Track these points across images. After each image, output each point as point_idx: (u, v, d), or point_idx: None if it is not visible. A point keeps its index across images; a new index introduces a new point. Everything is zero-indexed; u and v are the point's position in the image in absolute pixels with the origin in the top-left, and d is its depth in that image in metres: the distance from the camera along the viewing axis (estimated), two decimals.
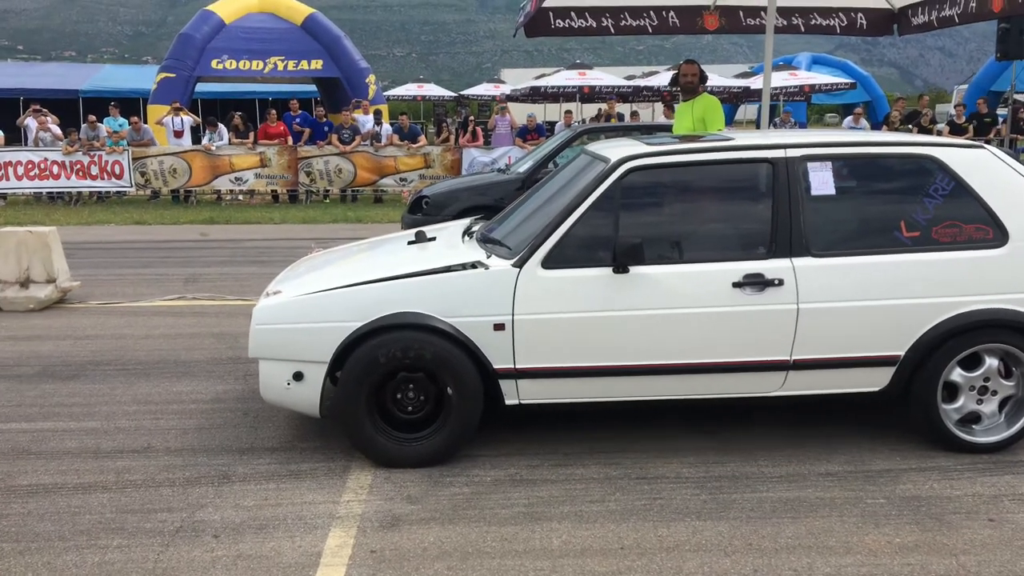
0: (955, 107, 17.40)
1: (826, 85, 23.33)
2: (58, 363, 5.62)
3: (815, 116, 50.43)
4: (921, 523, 3.42)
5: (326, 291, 3.97)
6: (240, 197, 15.93)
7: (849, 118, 16.77)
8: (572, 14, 7.89)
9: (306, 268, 4.64)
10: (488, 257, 4.01)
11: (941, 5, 7.46)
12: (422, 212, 9.02)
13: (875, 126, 16.74)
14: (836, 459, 4.04)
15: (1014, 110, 16.03)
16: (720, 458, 4.07)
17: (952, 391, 4.03)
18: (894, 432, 4.28)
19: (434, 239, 4.63)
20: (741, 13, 8.01)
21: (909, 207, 3.98)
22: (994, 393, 4.02)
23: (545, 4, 7.03)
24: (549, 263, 3.88)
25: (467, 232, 4.66)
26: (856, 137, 4.22)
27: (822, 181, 3.98)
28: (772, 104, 23.12)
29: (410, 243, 4.61)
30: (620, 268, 3.84)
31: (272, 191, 15.76)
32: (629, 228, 3.91)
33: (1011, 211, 3.95)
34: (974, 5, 7.00)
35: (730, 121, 29.63)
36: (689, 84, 6.17)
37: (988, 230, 3.95)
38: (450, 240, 4.55)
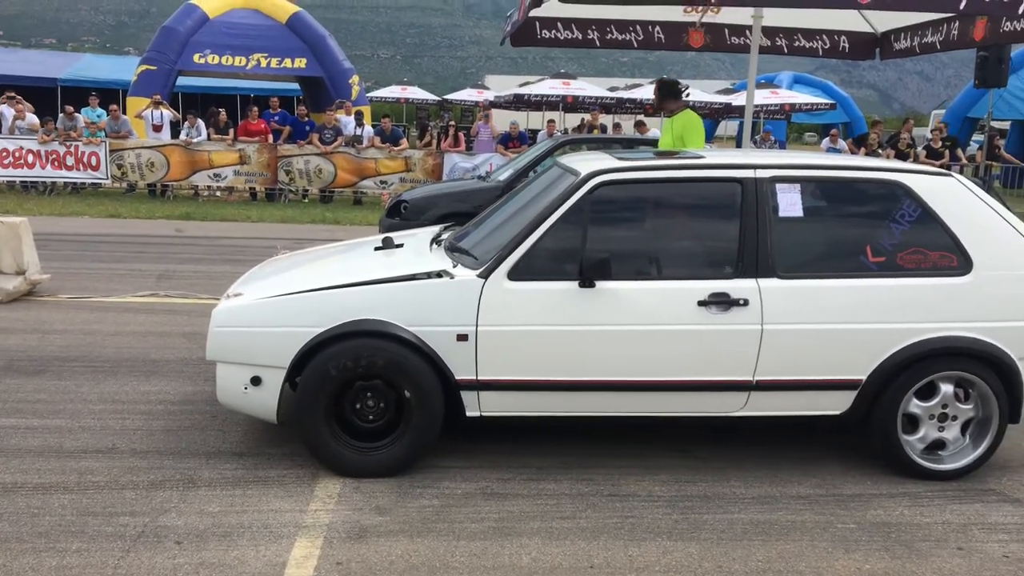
0: (931, 131, 17.59)
1: (806, 105, 23.48)
2: (24, 357, 5.50)
3: (794, 135, 50.88)
4: (891, 550, 3.42)
5: (287, 295, 3.92)
6: (218, 193, 15.77)
7: (827, 139, 16.91)
8: (559, 25, 7.86)
9: (270, 271, 4.58)
10: (454, 266, 3.98)
11: (923, 31, 7.52)
12: (400, 216, 8.96)
13: (856, 141, 16.86)
14: (809, 482, 4.04)
15: (990, 137, 16.24)
16: (693, 477, 4.05)
17: (913, 421, 4.06)
18: (867, 456, 4.29)
19: (401, 246, 4.59)
20: (726, 31, 8.02)
21: (876, 232, 4.00)
22: (954, 418, 4.04)
23: (533, 13, 7.00)
24: (515, 275, 3.85)
25: (436, 240, 4.63)
26: (825, 160, 4.24)
27: (790, 203, 3.99)
28: (753, 122, 23.30)
29: (377, 249, 4.57)
30: (586, 283, 3.82)
31: (250, 189, 15.61)
32: (597, 243, 3.89)
33: (976, 240, 3.98)
34: (955, 33, 7.05)
35: (711, 137, 29.83)
36: (655, 101, 6.31)
37: (953, 258, 3.98)
38: (418, 247, 4.51)
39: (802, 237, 4.02)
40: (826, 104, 24.68)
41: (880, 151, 16.18)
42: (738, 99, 22.53)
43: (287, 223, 12.80)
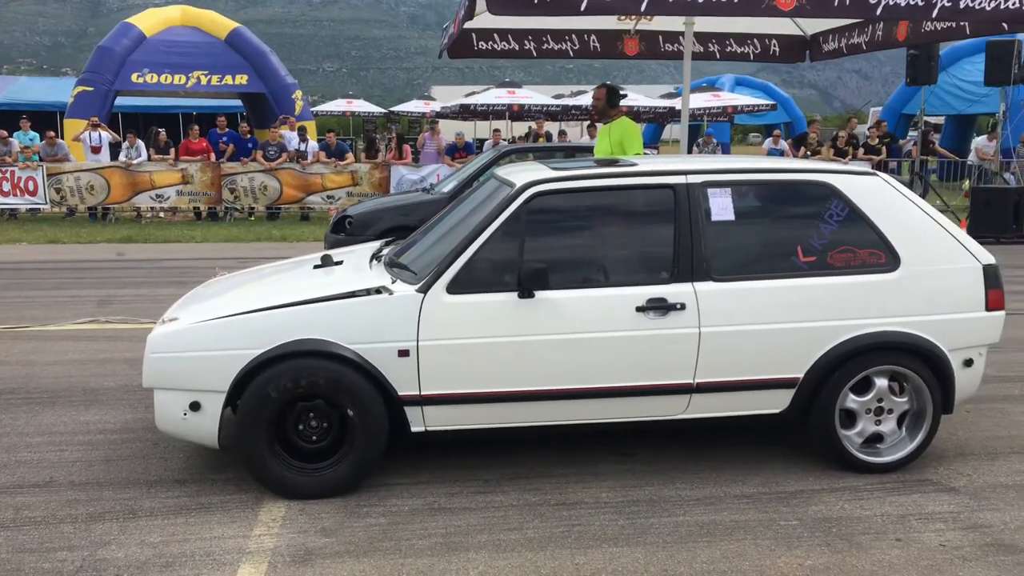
0: (869, 129, 17.99)
1: (748, 106, 23.85)
2: None
3: (739, 136, 51.67)
4: (832, 544, 3.49)
5: (224, 318, 3.87)
6: (161, 215, 15.53)
7: (769, 139, 17.21)
8: (495, 36, 7.91)
9: (207, 293, 4.52)
10: (393, 282, 3.97)
11: (850, 33, 7.71)
12: (345, 232, 8.92)
13: (796, 143, 17.17)
14: (752, 481, 4.10)
15: (924, 133, 16.66)
16: (639, 481, 4.09)
17: (850, 416, 4.14)
18: (809, 452, 4.36)
19: (341, 263, 4.57)
20: (660, 38, 8.14)
21: (806, 232, 4.09)
22: (890, 412, 4.14)
23: (468, 25, 7.03)
24: (454, 288, 3.86)
25: (376, 256, 4.62)
26: (754, 164, 4.32)
27: (722, 207, 4.05)
28: (696, 125, 23.61)
29: (316, 267, 4.54)
30: (525, 293, 3.84)
31: (194, 208, 15.41)
32: (534, 253, 3.92)
33: (903, 237, 4.09)
34: (880, 34, 7.25)
35: (656, 141, 30.17)
36: (597, 107, 6.36)
37: (881, 255, 4.08)
38: (357, 264, 4.50)
39: (735, 240, 4.09)
40: (767, 105, 25.09)
41: (820, 148, 16.52)
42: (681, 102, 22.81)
43: (232, 242, 12.65)
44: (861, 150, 16.18)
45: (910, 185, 15.53)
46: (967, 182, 17.96)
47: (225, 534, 3.55)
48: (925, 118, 16.57)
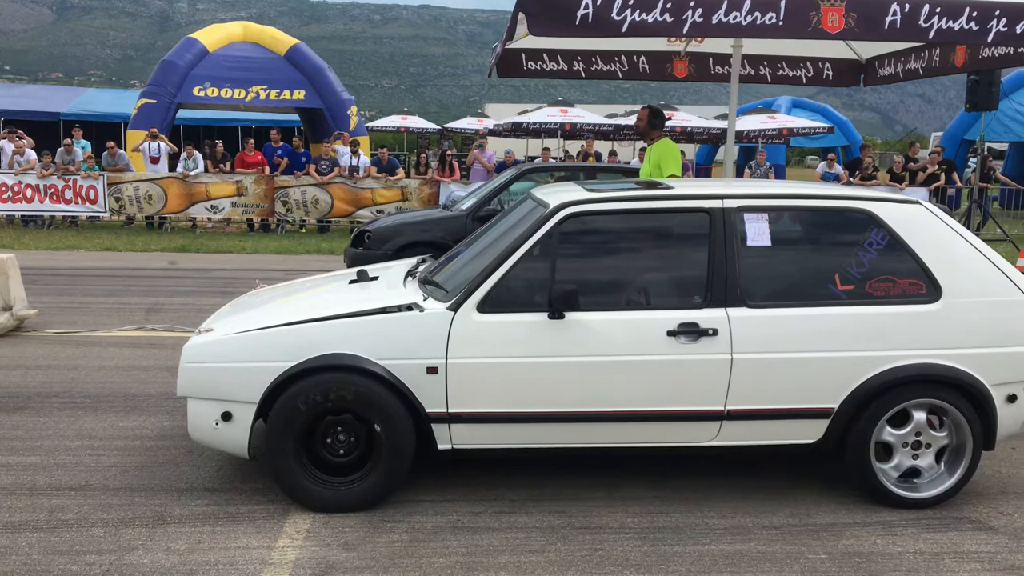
0: (930, 154, 17.61)
1: (804, 129, 23.55)
2: (4, 394, 5.52)
3: (796, 158, 51.06)
4: None
5: (258, 330, 3.93)
6: (209, 225, 15.85)
7: (823, 163, 16.94)
8: (544, 56, 7.92)
9: (244, 305, 4.60)
10: (425, 299, 3.99)
11: (907, 58, 7.56)
12: (364, 246, 9.01)
13: (850, 167, 16.87)
14: (782, 512, 4.02)
15: (983, 159, 16.26)
16: (666, 508, 4.03)
17: (886, 449, 4.04)
18: (843, 484, 4.26)
19: (376, 279, 4.61)
20: (711, 60, 8.07)
21: (844, 260, 4.01)
22: (928, 446, 4.03)
23: (514, 46, 7.06)
24: (485, 307, 3.86)
25: (411, 273, 4.65)
26: (793, 189, 4.25)
27: (758, 232, 4.00)
28: (751, 147, 23.36)
29: (352, 282, 4.59)
30: (555, 314, 3.83)
31: (248, 220, 15.70)
32: (566, 274, 3.91)
33: (945, 267, 3.98)
34: (937, 59, 7.09)
35: (709, 162, 29.94)
36: (639, 128, 6.37)
37: (922, 285, 3.98)
38: (391, 280, 4.53)
39: (771, 266, 4.03)
40: (823, 128, 24.75)
41: (876, 174, 16.21)
42: (738, 124, 22.61)
43: (282, 254, 12.86)
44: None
45: (968, 213, 15.16)
46: None
47: (250, 544, 3.59)
48: (988, 144, 16.18)
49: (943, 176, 15.97)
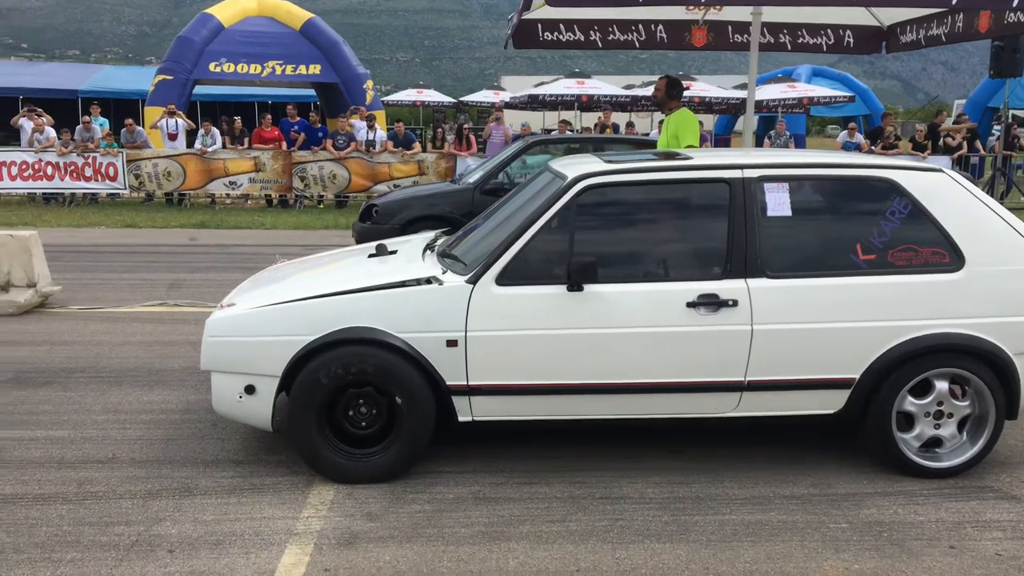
0: (955, 122, 17.36)
1: (824, 98, 23.28)
2: (31, 369, 5.60)
3: (816, 128, 50.50)
4: (881, 549, 3.40)
5: (279, 304, 3.96)
6: (228, 201, 15.92)
7: (844, 132, 16.76)
8: (560, 26, 7.86)
9: (265, 280, 4.63)
10: (444, 272, 4.00)
11: (929, 24, 7.45)
12: (371, 221, 9.03)
13: (871, 136, 16.67)
14: (803, 481, 4.02)
15: (1007, 127, 16.03)
16: (686, 478, 4.05)
17: (908, 419, 4.03)
18: (864, 454, 4.25)
19: (395, 252, 4.63)
20: (730, 29, 7.98)
21: (865, 230, 3.97)
22: (950, 416, 4.01)
23: (531, 16, 7.01)
24: (503, 280, 3.87)
25: (429, 246, 4.66)
26: (813, 159, 4.21)
27: (778, 202, 3.97)
28: (771, 116, 23.11)
29: (371, 256, 4.60)
30: (574, 286, 3.83)
31: (266, 196, 15.75)
32: (584, 246, 3.91)
33: (968, 236, 3.95)
34: (960, 25, 6.98)
35: (729, 132, 29.66)
36: (657, 98, 6.31)
37: (945, 254, 3.94)
38: (410, 254, 4.54)
39: (791, 236, 4.00)
40: (844, 97, 24.46)
41: (898, 143, 16.02)
42: (757, 93, 22.34)
43: (300, 229, 12.91)
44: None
45: (992, 181, 14.98)
46: None
47: (275, 515, 3.64)
48: (1013, 112, 15.93)
49: (966, 144, 15.77)
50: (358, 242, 8.66)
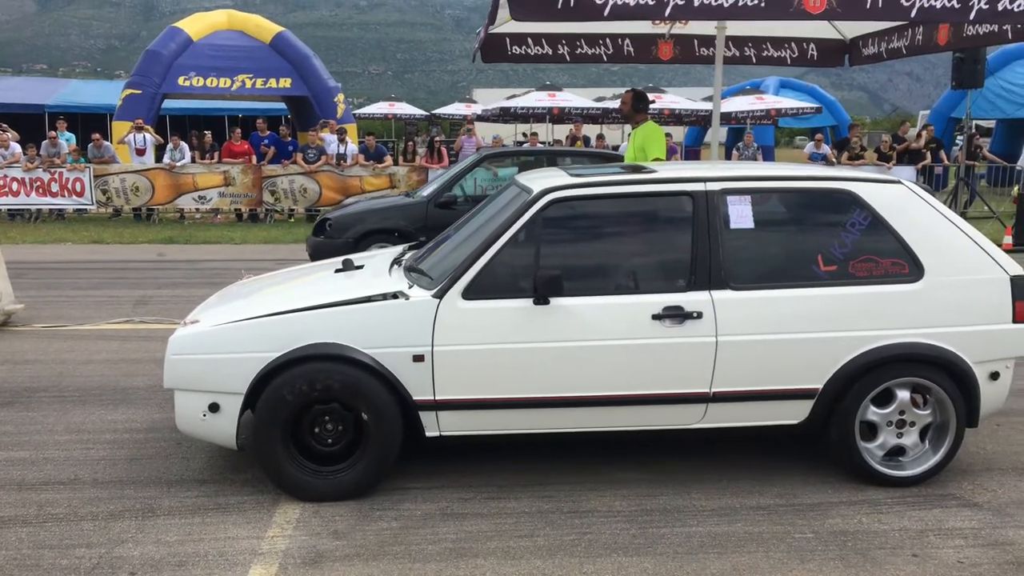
0: (918, 133, 17.63)
1: (792, 110, 23.53)
2: None
3: (785, 139, 51.00)
4: (846, 559, 3.43)
5: (243, 321, 3.93)
6: (198, 216, 15.79)
7: (811, 143, 16.96)
8: (528, 40, 7.89)
9: (230, 296, 4.60)
10: (410, 287, 3.99)
11: (890, 37, 7.56)
12: (325, 235, 9.00)
13: (838, 146, 16.89)
14: (769, 492, 4.05)
15: (969, 137, 16.30)
16: (654, 491, 4.06)
17: (871, 429, 4.08)
18: (828, 464, 4.29)
19: (362, 267, 4.62)
20: (695, 42, 8.05)
21: (827, 241, 4.02)
22: (912, 424, 4.06)
23: (498, 30, 7.04)
24: (470, 294, 3.86)
25: (396, 261, 4.64)
26: (775, 171, 4.27)
27: (741, 214, 4.01)
28: (739, 128, 23.31)
29: (337, 271, 4.59)
30: (540, 300, 3.83)
31: (236, 210, 15.65)
32: (550, 259, 3.92)
33: (927, 246, 4.00)
34: (920, 38, 7.10)
35: (699, 144, 29.90)
36: (624, 111, 6.38)
37: (904, 265, 4.00)
38: (377, 269, 4.53)
39: (754, 248, 4.04)
40: (812, 108, 24.75)
41: (864, 154, 16.24)
42: (726, 105, 22.54)
43: (271, 243, 12.83)
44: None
45: (956, 191, 15.21)
46: (1016, 188, 17.53)
47: (239, 535, 3.60)
48: (976, 122, 16.22)
49: (930, 155, 16.01)
50: (312, 257, 8.63)
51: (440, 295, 3.87)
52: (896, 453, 4.11)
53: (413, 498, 3.96)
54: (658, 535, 3.62)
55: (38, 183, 14.92)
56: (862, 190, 4.06)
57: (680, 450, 4.50)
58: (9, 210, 15.27)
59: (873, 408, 4.02)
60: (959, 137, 20.41)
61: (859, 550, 3.50)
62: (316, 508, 3.84)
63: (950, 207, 14.78)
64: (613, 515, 3.81)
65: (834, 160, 15.87)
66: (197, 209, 15.61)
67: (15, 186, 14.91)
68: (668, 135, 7.16)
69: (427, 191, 9.53)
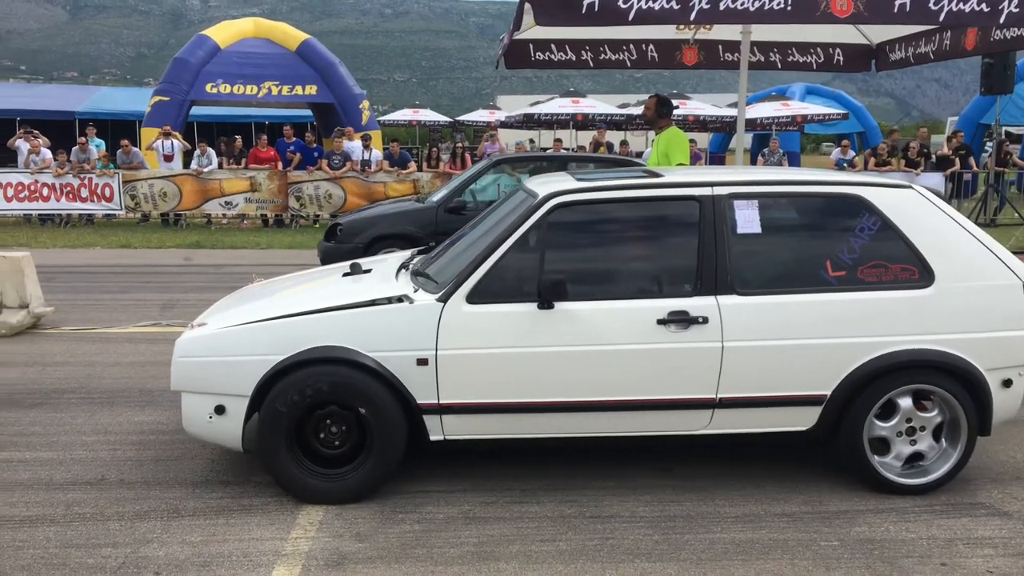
0: (947, 139, 17.46)
1: (818, 116, 23.38)
2: (22, 391, 5.58)
3: (811, 145, 50.67)
4: (872, 567, 3.39)
5: (249, 324, 3.96)
6: (225, 221, 15.93)
7: (837, 149, 16.83)
8: (552, 46, 7.91)
9: (238, 299, 4.63)
10: (415, 291, 4.00)
11: (917, 42, 7.50)
12: (336, 240, 9.04)
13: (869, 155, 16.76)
14: (794, 499, 4.01)
15: (999, 144, 16.11)
16: (677, 496, 4.03)
17: (884, 443, 4.03)
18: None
19: (369, 271, 4.64)
20: (720, 48, 8.04)
21: (835, 246, 3.98)
22: (923, 428, 4.01)
23: (522, 36, 7.05)
24: (474, 298, 3.86)
25: (404, 265, 4.65)
26: (783, 176, 4.23)
27: (748, 219, 3.98)
28: (765, 134, 23.19)
29: (345, 275, 4.61)
30: (544, 304, 3.83)
31: (262, 215, 15.78)
32: (555, 263, 3.91)
33: (937, 251, 3.95)
34: (948, 43, 7.03)
35: (724, 150, 29.77)
36: (647, 116, 6.36)
37: (914, 270, 3.95)
38: (384, 273, 4.54)
39: (761, 253, 4.01)
40: (838, 114, 24.57)
41: (891, 160, 16.09)
42: (751, 112, 22.44)
43: (295, 248, 12.92)
44: (932, 160, 15.71)
45: (985, 198, 15.03)
46: None
47: (263, 536, 3.62)
48: (1005, 128, 16.02)
49: (958, 161, 15.83)
50: (322, 261, 8.69)
51: (444, 299, 3.88)
52: (915, 459, 4.05)
53: (435, 501, 3.96)
54: (681, 541, 3.60)
55: (68, 188, 15.12)
56: (871, 195, 4.02)
57: (703, 456, 4.47)
58: (40, 215, 15.49)
59: (878, 422, 3.98)
60: (988, 143, 20.15)
61: (886, 559, 3.45)
62: (339, 510, 3.85)
63: (979, 214, 14.71)
64: (636, 520, 3.79)
65: (860, 167, 15.73)
66: (224, 214, 15.76)
67: (45, 191, 15.12)
68: (692, 141, 7.11)
69: (437, 196, 9.56)
